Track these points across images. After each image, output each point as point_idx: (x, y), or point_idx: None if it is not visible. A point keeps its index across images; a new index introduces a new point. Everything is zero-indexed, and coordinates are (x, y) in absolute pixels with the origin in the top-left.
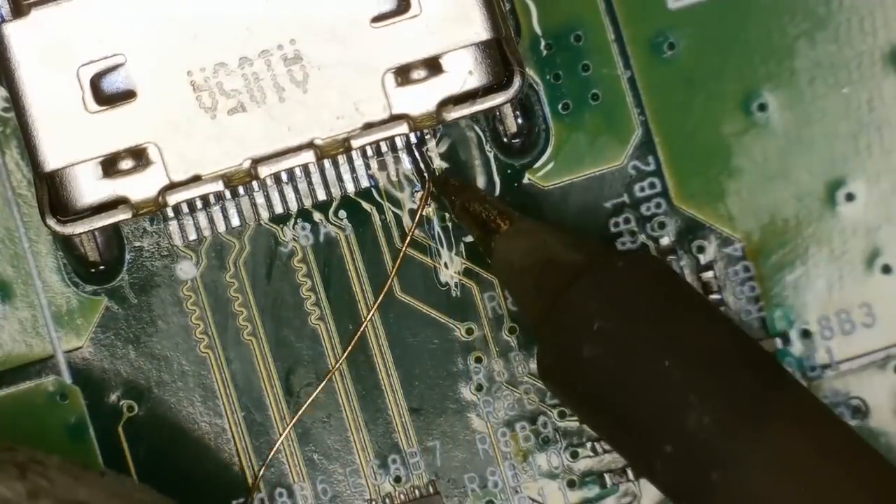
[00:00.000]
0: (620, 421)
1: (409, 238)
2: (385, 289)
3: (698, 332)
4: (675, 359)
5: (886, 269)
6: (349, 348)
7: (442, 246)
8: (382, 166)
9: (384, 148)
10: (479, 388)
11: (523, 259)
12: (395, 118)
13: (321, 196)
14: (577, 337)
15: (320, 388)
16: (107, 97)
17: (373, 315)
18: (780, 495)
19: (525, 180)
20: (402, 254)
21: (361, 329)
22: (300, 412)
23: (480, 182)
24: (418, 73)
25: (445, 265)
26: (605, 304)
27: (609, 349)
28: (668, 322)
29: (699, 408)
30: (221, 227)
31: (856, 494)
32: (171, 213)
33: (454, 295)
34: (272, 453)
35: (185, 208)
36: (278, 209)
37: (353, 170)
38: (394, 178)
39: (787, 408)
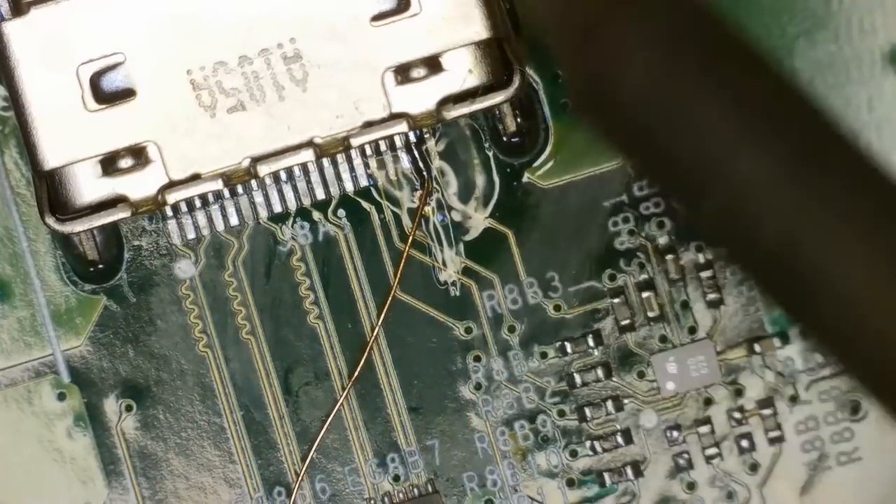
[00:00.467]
0: (665, 159)
1: (410, 239)
2: (389, 300)
3: (751, 76)
4: (726, 99)
5: None
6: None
7: (441, 245)
8: (382, 165)
9: (383, 147)
10: (479, 386)
11: None
12: (394, 117)
13: (320, 195)
14: (618, 66)
15: (359, 367)
16: (106, 96)
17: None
18: (847, 254)
19: (524, 179)
20: (404, 255)
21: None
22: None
23: (480, 181)
24: (418, 72)
25: (444, 264)
26: (649, 36)
27: (654, 78)
28: (719, 61)
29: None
30: (220, 225)
31: None
32: (170, 212)
33: (453, 294)
34: (331, 417)
35: (184, 207)
36: (277, 208)
37: (352, 169)
38: (393, 177)
39: (843, 161)
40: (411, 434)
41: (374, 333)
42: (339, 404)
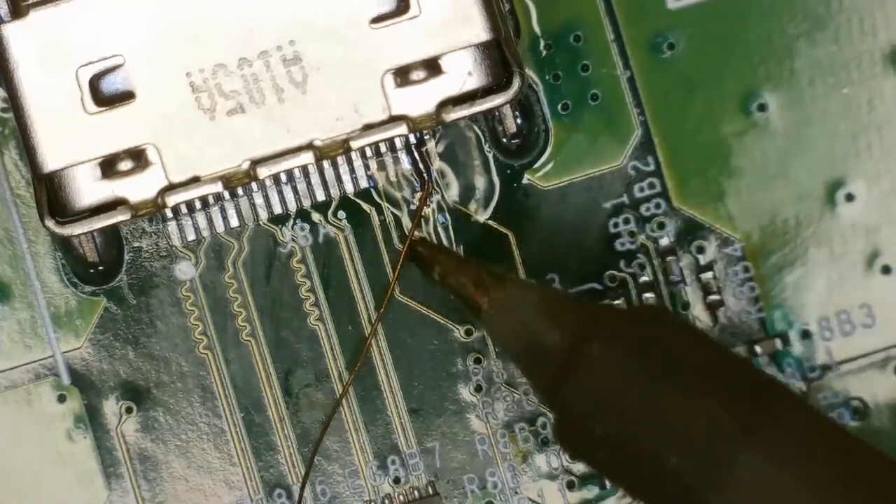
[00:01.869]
0: (637, 484)
1: (409, 240)
2: (387, 297)
3: (675, 399)
4: (664, 427)
5: (886, 270)
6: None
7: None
8: (381, 167)
9: (383, 149)
10: (479, 388)
11: (509, 344)
12: (394, 119)
13: (320, 197)
14: (583, 431)
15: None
16: (106, 98)
17: (375, 329)
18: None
19: (524, 181)
20: (403, 255)
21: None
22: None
23: (480, 183)
24: (418, 74)
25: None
26: (594, 403)
27: (612, 433)
28: (651, 396)
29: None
30: (220, 227)
31: (850, 489)
32: (169, 214)
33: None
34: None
35: (183, 209)
36: (277, 210)
37: (352, 170)
38: (393, 179)
39: (775, 420)
40: (411, 436)
41: (372, 329)
42: (338, 404)
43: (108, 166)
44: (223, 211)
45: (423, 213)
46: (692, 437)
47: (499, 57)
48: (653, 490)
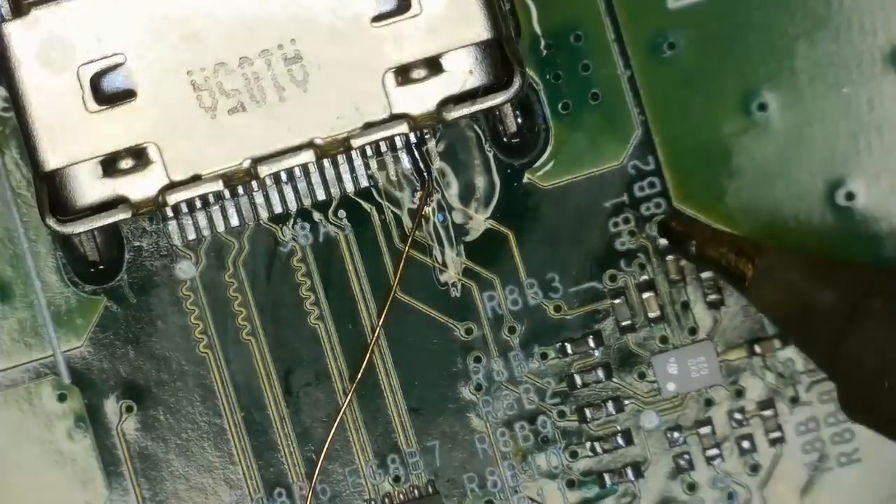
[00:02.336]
0: None
1: (409, 239)
2: (390, 300)
3: None
4: None
5: None
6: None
7: (442, 246)
8: (382, 166)
9: (384, 148)
10: (479, 387)
11: (780, 309)
12: (394, 118)
13: (321, 196)
14: (870, 386)
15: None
16: (107, 97)
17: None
18: None
19: (525, 180)
20: (404, 255)
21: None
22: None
23: (480, 182)
24: (418, 73)
25: (445, 265)
26: (883, 356)
27: None
28: None
29: None
30: (221, 226)
31: None
32: (170, 213)
33: (454, 295)
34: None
35: (184, 208)
36: (278, 209)
37: (352, 169)
38: (393, 178)
39: None
40: (412, 435)
41: (375, 335)
42: (341, 412)
43: (109, 165)
44: (224, 210)
45: (423, 213)
46: None
47: (499, 56)
48: None
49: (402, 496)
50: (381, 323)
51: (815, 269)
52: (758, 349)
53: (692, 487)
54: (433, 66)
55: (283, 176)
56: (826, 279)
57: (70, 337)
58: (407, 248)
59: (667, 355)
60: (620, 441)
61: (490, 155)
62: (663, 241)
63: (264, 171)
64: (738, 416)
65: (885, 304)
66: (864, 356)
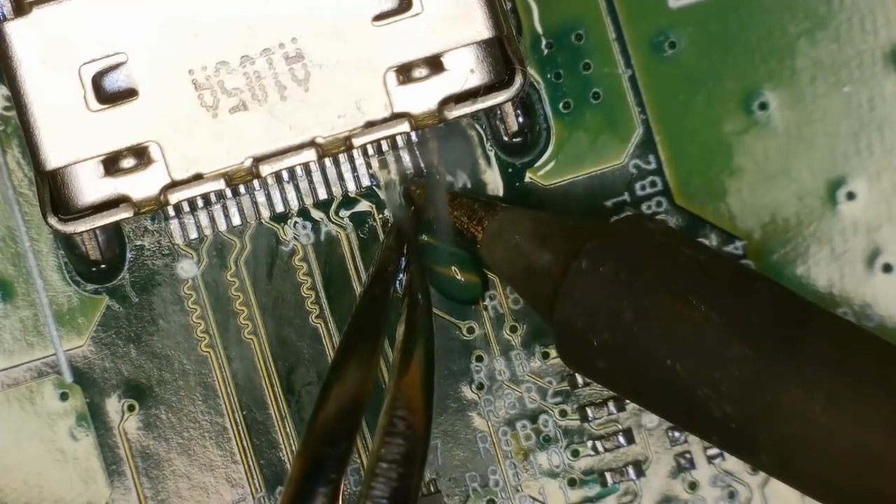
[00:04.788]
0: (636, 388)
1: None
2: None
3: (664, 304)
4: (674, 343)
5: (887, 269)
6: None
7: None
8: (383, 165)
9: (385, 146)
10: (481, 386)
11: (507, 269)
12: (396, 117)
13: (322, 195)
14: (581, 343)
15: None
16: (108, 96)
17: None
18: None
19: (526, 179)
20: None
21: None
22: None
23: (481, 181)
24: (420, 72)
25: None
26: (589, 315)
27: (608, 343)
28: (641, 304)
29: (726, 368)
30: (222, 225)
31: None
32: (172, 212)
33: (455, 293)
34: None
35: (186, 207)
36: (279, 208)
37: (354, 168)
38: (395, 177)
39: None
40: None
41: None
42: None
43: (111, 164)
44: (225, 209)
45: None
46: (684, 338)
47: (500, 55)
48: (652, 391)
49: None
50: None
51: (538, 229)
52: None
53: (693, 486)
54: (434, 64)
55: (285, 175)
56: (545, 239)
57: (72, 336)
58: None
59: None
60: (622, 440)
61: (491, 154)
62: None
63: (266, 169)
64: None
65: (589, 263)
66: (572, 316)
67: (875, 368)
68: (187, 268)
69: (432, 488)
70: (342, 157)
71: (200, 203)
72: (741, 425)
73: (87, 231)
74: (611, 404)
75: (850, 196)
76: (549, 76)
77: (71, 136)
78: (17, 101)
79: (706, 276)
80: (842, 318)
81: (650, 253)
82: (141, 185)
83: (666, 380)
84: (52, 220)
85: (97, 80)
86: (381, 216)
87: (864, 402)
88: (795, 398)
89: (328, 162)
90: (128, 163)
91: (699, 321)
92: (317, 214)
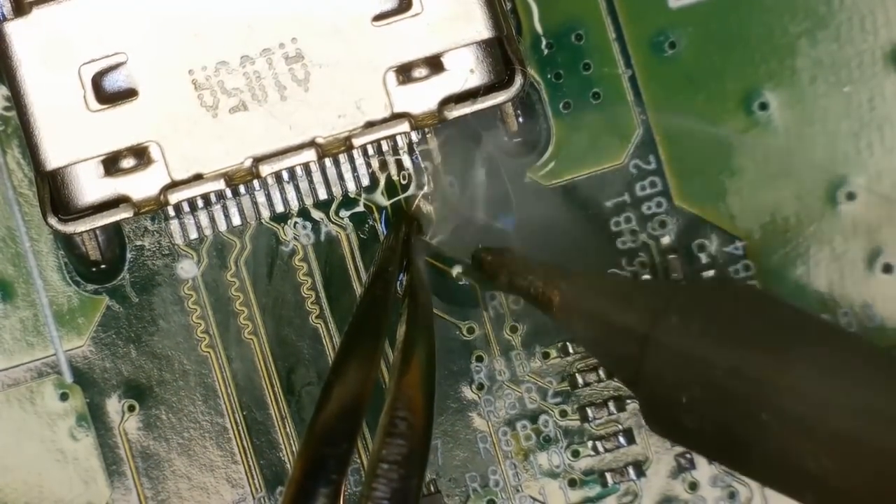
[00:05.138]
0: (727, 447)
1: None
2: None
3: (759, 359)
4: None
5: (887, 269)
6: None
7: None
8: (384, 165)
9: (385, 147)
10: (481, 386)
11: (586, 334)
12: (396, 117)
13: (322, 195)
14: (669, 402)
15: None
16: (108, 96)
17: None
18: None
19: (526, 179)
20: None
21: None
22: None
23: (481, 181)
24: (420, 72)
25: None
26: (679, 371)
27: (699, 399)
28: (735, 358)
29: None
30: (222, 225)
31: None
32: (172, 212)
33: (455, 294)
34: None
35: (186, 207)
36: (279, 208)
37: (354, 168)
38: (395, 177)
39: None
40: None
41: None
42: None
43: (111, 164)
44: (225, 209)
45: (424, 211)
46: (780, 393)
47: (500, 55)
48: (744, 450)
49: None
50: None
51: (617, 290)
52: None
53: (693, 486)
54: (434, 65)
55: (285, 175)
56: (626, 299)
57: (72, 336)
58: (408, 246)
59: None
60: (622, 440)
61: (491, 154)
62: (665, 240)
63: (266, 170)
64: None
65: (679, 319)
66: (662, 372)
67: None
68: (187, 268)
69: (432, 488)
70: (342, 157)
71: (200, 203)
72: (840, 481)
73: (87, 231)
74: (611, 404)
75: (851, 196)
76: (549, 76)
77: (71, 136)
78: (17, 101)
79: (801, 331)
80: None
81: (740, 309)
82: (141, 185)
83: (757, 437)
84: (52, 221)
85: (97, 80)
86: (381, 216)
87: None
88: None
89: (328, 162)
90: (128, 163)
91: (795, 375)
92: (317, 214)
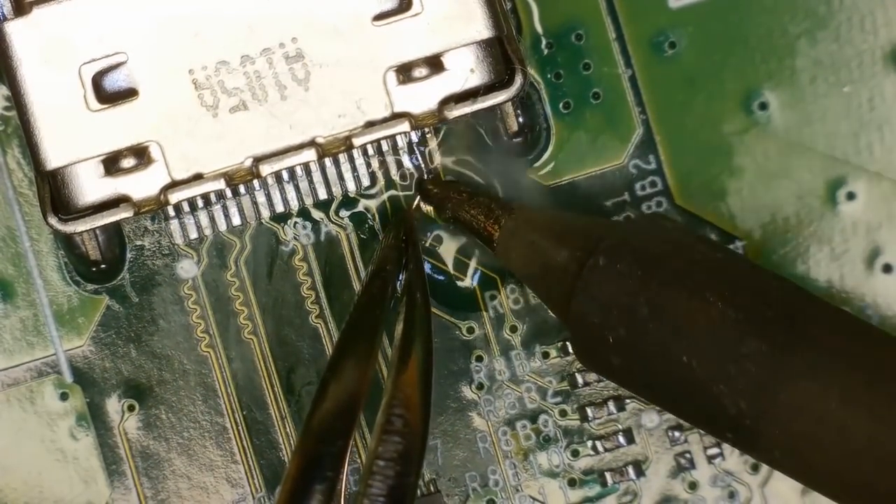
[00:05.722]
0: (651, 385)
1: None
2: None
3: (680, 301)
4: (683, 338)
5: (887, 269)
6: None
7: (441, 244)
8: (384, 165)
9: (385, 146)
10: (480, 386)
11: (523, 267)
12: (396, 116)
13: (322, 195)
14: (596, 340)
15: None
16: (108, 95)
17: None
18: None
19: (526, 179)
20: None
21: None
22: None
23: (481, 181)
24: (420, 72)
25: (446, 264)
26: (605, 312)
27: (624, 340)
28: (657, 300)
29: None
30: (222, 225)
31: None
32: (172, 212)
33: (455, 293)
34: None
35: (186, 207)
36: (279, 208)
37: (354, 168)
38: (395, 177)
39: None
40: None
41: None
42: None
43: (111, 164)
44: (225, 209)
45: (424, 210)
46: (700, 334)
47: (501, 54)
48: (666, 388)
49: None
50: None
51: (554, 227)
52: None
53: (693, 486)
54: (434, 64)
55: (285, 175)
56: (562, 237)
57: (72, 336)
58: (408, 247)
59: None
60: (622, 440)
61: (492, 154)
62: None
63: (266, 169)
64: None
65: (606, 260)
66: (589, 312)
67: (889, 364)
68: (187, 268)
69: (432, 488)
70: (342, 157)
71: (200, 203)
72: (755, 421)
73: (87, 231)
74: (611, 404)
75: (850, 196)
76: (549, 76)
77: (71, 135)
78: (17, 101)
79: (722, 273)
80: (854, 315)
81: (666, 250)
82: (141, 184)
83: (680, 376)
84: (52, 220)
85: (97, 80)
86: (381, 216)
87: (878, 398)
88: (810, 394)
89: (328, 162)
90: (128, 163)
91: (715, 317)
92: (317, 214)
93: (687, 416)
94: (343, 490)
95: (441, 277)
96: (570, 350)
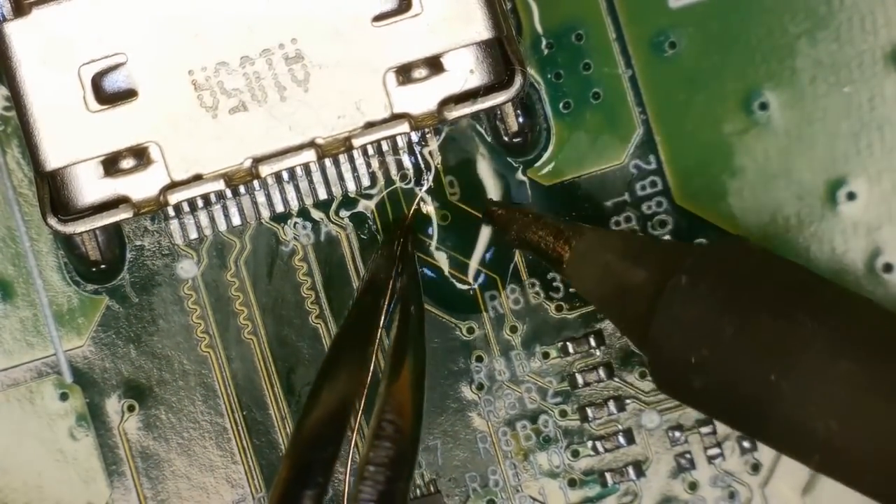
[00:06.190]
0: (735, 408)
1: (410, 237)
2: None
3: (767, 322)
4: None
5: (887, 269)
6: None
7: (441, 244)
8: (383, 165)
9: (385, 147)
10: (480, 387)
11: (595, 291)
12: (396, 117)
13: (322, 195)
14: (677, 362)
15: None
16: (108, 96)
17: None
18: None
19: (526, 179)
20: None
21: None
22: None
23: (481, 181)
24: (419, 72)
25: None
26: (687, 333)
27: (707, 361)
28: (743, 321)
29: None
30: (222, 225)
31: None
32: (172, 212)
33: (455, 294)
34: None
35: (185, 207)
36: (279, 208)
37: (354, 169)
38: (395, 178)
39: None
40: None
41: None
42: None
43: (111, 164)
44: (225, 209)
45: (424, 211)
46: (790, 356)
47: (500, 55)
48: (751, 410)
49: None
50: (382, 322)
51: (629, 249)
52: None
53: (693, 486)
54: (434, 65)
55: (285, 175)
56: (638, 258)
57: (72, 336)
58: (407, 246)
59: None
60: (622, 440)
61: (491, 154)
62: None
63: (265, 170)
64: None
65: (689, 280)
66: (670, 333)
67: None
68: (187, 268)
69: (432, 488)
70: (342, 158)
71: (200, 203)
72: (847, 442)
73: (86, 231)
74: (611, 404)
75: (851, 196)
76: (549, 76)
77: (71, 136)
78: (17, 101)
79: (811, 294)
80: None
81: (750, 271)
82: (141, 185)
83: (768, 397)
84: (52, 221)
85: (97, 81)
86: (381, 216)
87: None
88: None
89: (328, 162)
90: (127, 163)
91: (805, 337)
92: (317, 214)
93: (771, 437)
94: (345, 493)
95: (436, 276)
96: (648, 375)
